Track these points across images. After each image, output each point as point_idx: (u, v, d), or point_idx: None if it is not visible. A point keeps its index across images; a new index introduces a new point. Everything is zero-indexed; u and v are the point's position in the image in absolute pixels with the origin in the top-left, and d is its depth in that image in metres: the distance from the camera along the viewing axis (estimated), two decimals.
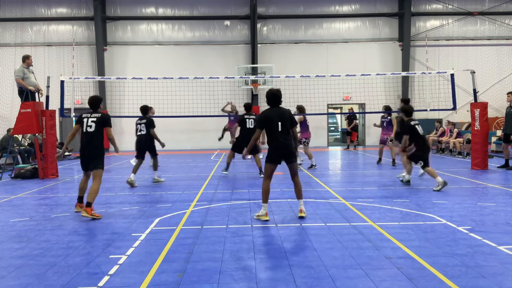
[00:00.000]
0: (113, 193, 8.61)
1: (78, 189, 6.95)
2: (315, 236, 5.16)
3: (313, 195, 7.90)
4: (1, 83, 19.99)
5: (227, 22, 13.57)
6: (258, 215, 6.15)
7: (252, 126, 10.42)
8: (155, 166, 10.41)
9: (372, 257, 4.34)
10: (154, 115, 13.56)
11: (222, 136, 15.52)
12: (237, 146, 10.67)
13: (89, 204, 6.33)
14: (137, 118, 10.17)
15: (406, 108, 9.05)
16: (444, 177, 9.99)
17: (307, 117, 12.55)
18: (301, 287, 3.63)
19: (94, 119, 6.76)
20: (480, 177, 9.92)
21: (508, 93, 11.74)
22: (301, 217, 6.08)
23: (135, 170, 9.78)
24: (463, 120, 21.16)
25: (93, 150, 6.73)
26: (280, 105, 6.22)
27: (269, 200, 7.39)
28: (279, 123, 5.99)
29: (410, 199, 7.38)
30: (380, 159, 13.19)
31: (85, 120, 6.79)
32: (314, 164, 12.17)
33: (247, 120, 10.62)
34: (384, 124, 13.21)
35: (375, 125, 14.37)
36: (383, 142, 13.15)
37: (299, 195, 6.23)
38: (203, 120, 18.41)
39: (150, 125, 9.85)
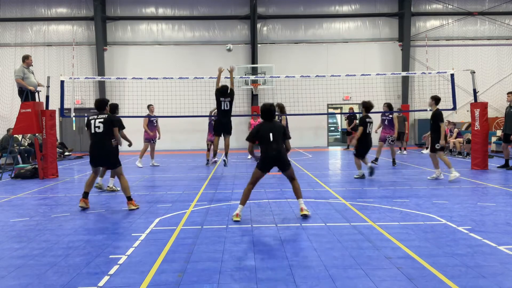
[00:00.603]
0: (113, 193, 8.61)
1: (84, 185, 7.11)
2: (315, 236, 5.16)
3: (313, 195, 7.90)
4: (1, 83, 20.00)
5: (230, 46, 13.10)
6: (233, 216, 6.13)
7: (228, 108, 10.46)
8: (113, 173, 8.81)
9: (372, 257, 4.34)
10: (153, 114, 13.58)
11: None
12: (217, 130, 10.62)
13: (129, 198, 6.95)
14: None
15: (368, 104, 10.11)
16: (444, 177, 10.02)
17: (289, 117, 12.45)
18: (301, 287, 3.63)
19: (102, 120, 7.08)
20: (480, 177, 9.92)
21: (508, 93, 11.73)
22: (304, 216, 6.05)
23: (101, 174, 8.84)
24: (463, 120, 21.18)
25: (101, 150, 7.07)
26: (274, 119, 6.34)
27: (269, 200, 7.43)
28: (270, 133, 6.11)
29: (410, 199, 7.38)
30: (376, 159, 12.39)
31: (92, 121, 7.10)
32: None
33: (223, 102, 10.49)
34: (386, 123, 12.98)
35: (375, 132, 13.88)
36: (383, 140, 12.89)
37: (297, 195, 6.27)
38: (203, 120, 18.36)
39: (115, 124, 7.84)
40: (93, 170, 7.28)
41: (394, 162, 12.64)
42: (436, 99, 9.85)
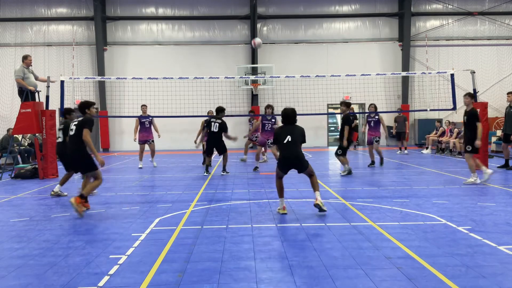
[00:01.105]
0: (113, 193, 8.61)
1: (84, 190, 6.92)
2: (315, 236, 5.16)
3: (313, 195, 7.88)
4: (1, 83, 19.99)
5: (256, 43, 13.45)
6: (278, 209, 6.53)
7: (216, 130, 11.06)
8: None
9: (372, 257, 4.33)
10: (145, 114, 13.32)
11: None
12: (208, 149, 11.36)
13: (82, 196, 6.45)
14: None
15: (349, 102, 10.75)
16: (444, 177, 10.04)
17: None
18: (301, 287, 3.63)
19: (76, 122, 6.75)
20: (480, 177, 9.90)
21: (508, 93, 11.71)
22: (317, 206, 6.23)
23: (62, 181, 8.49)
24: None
25: (74, 154, 6.73)
26: (295, 123, 6.53)
27: (269, 200, 7.44)
28: (288, 136, 6.31)
29: (410, 199, 7.38)
30: (373, 162, 12.52)
31: (71, 124, 6.87)
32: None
33: (212, 123, 11.11)
34: (372, 124, 12.78)
35: (363, 132, 13.92)
36: (370, 142, 12.71)
37: (314, 188, 6.43)
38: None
39: (85, 125, 6.84)
40: (81, 175, 7.02)
41: (381, 162, 12.44)
42: (473, 97, 9.48)
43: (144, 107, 13.43)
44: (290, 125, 6.47)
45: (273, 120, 12.08)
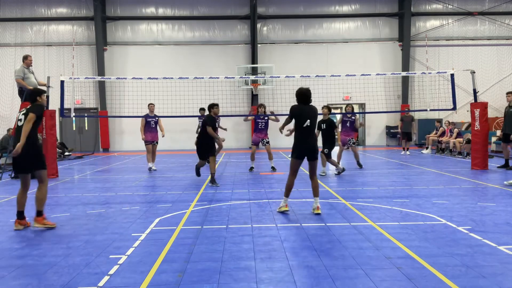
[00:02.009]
0: (113, 193, 8.61)
1: (16, 203, 5.92)
2: (315, 236, 5.16)
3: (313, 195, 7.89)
4: (1, 83, 19.99)
5: None
6: (279, 208, 6.54)
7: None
8: None
9: (372, 257, 4.33)
10: (152, 114, 12.93)
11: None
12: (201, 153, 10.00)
13: (39, 213, 5.77)
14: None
15: (330, 106, 11.01)
16: (444, 177, 10.04)
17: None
18: (301, 287, 3.63)
19: (24, 111, 5.96)
20: (480, 177, 9.92)
21: (507, 93, 11.71)
22: (317, 214, 6.29)
23: None
24: (463, 120, 21.17)
25: (25, 149, 5.76)
26: (310, 103, 6.49)
27: (269, 200, 7.44)
28: (308, 120, 6.29)
29: (410, 199, 7.38)
30: (338, 163, 11.31)
31: (19, 114, 6.11)
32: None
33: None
34: (348, 124, 12.16)
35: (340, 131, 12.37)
36: (344, 143, 12.17)
37: (315, 193, 6.45)
38: None
39: (32, 109, 5.93)
40: (21, 181, 5.96)
41: (359, 165, 12.24)
42: None
43: (151, 105, 12.80)
44: (307, 105, 6.40)
45: (266, 118, 12.05)
